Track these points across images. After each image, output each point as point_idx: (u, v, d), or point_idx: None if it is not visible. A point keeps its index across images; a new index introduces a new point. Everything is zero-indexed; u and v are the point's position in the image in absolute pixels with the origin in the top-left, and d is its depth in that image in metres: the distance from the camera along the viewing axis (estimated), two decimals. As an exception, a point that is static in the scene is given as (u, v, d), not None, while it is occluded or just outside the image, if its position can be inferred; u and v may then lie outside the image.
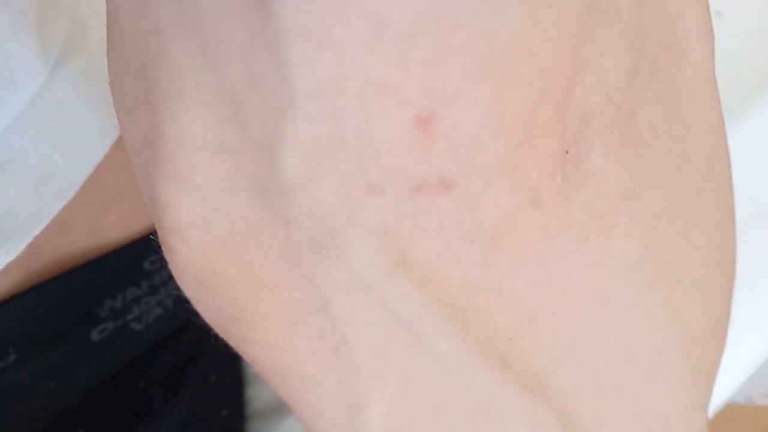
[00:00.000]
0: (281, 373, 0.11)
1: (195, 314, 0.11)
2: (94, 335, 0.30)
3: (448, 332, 0.10)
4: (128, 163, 0.10)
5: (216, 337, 0.11)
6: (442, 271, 0.10)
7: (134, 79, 0.09)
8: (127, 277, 0.28)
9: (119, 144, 0.21)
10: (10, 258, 0.19)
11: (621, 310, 0.11)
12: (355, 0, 0.08)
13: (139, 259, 0.27)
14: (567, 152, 0.10)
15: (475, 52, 0.08)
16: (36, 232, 0.21)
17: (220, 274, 0.10)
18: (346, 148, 0.09)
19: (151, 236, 0.25)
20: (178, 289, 0.11)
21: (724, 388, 0.27)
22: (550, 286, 0.10)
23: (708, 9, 0.10)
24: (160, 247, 0.11)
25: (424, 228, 0.09)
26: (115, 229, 0.25)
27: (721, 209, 0.12)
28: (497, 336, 0.10)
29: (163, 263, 0.26)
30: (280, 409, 0.31)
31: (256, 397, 0.31)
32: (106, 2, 0.09)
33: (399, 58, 0.08)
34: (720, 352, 0.12)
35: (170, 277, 0.26)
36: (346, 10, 0.08)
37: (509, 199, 0.09)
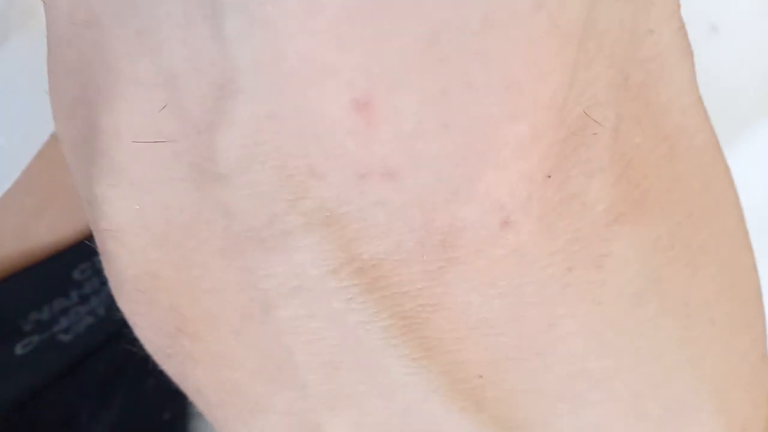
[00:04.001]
0: (226, 400, 0.10)
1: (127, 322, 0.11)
2: (18, 349, 0.29)
3: (403, 353, 0.09)
4: (61, 163, 0.10)
5: None
6: (394, 276, 0.09)
7: (71, 76, 0.09)
8: (55, 287, 0.27)
9: (50, 144, 0.20)
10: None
11: (625, 355, 0.10)
12: None
13: (69, 269, 0.26)
14: (549, 177, 0.09)
15: (419, 41, 0.08)
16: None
17: (161, 278, 0.10)
18: (286, 128, 0.08)
19: (85, 241, 0.24)
20: (111, 295, 0.11)
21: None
22: (532, 321, 0.09)
23: (682, 27, 0.10)
24: (91, 253, 0.10)
25: (371, 222, 0.09)
26: (45, 234, 0.24)
27: (731, 236, 0.11)
28: (466, 370, 0.09)
29: (94, 271, 0.25)
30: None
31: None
32: (44, 2, 0.09)
33: (336, 39, 0.08)
34: (762, 404, 0.11)
35: (102, 285, 0.25)
36: None
37: (468, 210, 0.09)
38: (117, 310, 0.11)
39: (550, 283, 0.09)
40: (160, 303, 0.10)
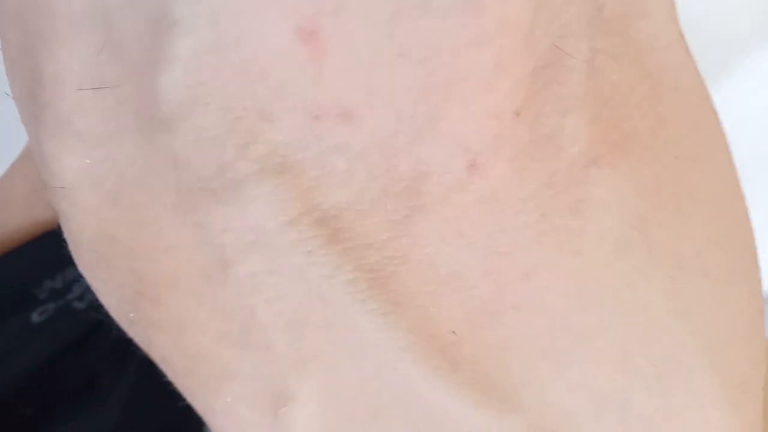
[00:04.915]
0: (192, 367, 0.10)
1: None
2: (35, 317, 0.30)
3: (370, 309, 0.09)
4: None
5: None
6: (357, 226, 0.08)
7: (13, 23, 0.09)
8: (68, 255, 0.28)
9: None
10: None
11: (609, 309, 0.09)
12: None
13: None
14: (518, 115, 0.08)
15: None
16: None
17: (117, 240, 0.09)
18: (228, 64, 0.08)
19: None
20: None
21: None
22: (506, 273, 0.09)
23: None
24: None
25: (329, 169, 0.08)
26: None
27: (721, 182, 0.10)
28: (438, 327, 0.09)
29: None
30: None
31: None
32: None
33: None
34: (760, 362, 0.10)
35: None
36: None
37: (432, 153, 0.08)
38: None
39: (523, 231, 0.09)
40: (118, 266, 0.09)
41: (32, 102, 0.09)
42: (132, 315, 0.10)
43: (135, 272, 0.09)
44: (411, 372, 0.09)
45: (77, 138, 0.09)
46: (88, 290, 0.29)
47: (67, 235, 0.10)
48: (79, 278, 0.29)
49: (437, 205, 0.08)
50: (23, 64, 0.09)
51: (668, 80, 0.09)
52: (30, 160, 0.27)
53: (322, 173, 0.08)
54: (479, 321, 0.09)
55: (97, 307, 0.29)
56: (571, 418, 0.09)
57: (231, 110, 0.08)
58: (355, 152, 0.08)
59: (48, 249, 0.26)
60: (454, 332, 0.09)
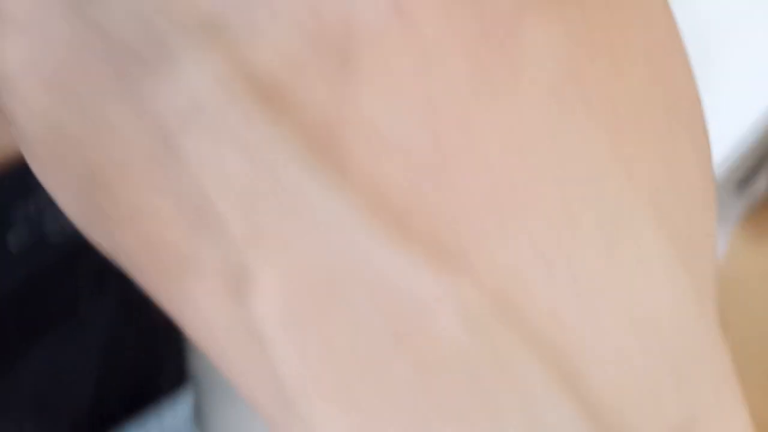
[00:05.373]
0: (151, 259, 0.09)
1: None
2: (10, 239, 0.30)
3: (317, 179, 0.08)
4: None
5: None
6: (292, 88, 0.08)
7: None
8: (37, 182, 0.27)
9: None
10: None
11: (549, 160, 0.09)
12: None
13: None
14: None
15: None
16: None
17: (63, 129, 0.09)
18: None
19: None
20: None
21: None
22: (444, 128, 0.09)
23: None
24: None
25: (257, 27, 0.08)
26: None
27: (659, 38, 0.10)
28: (387, 197, 0.09)
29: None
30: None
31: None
32: None
33: None
34: (709, 227, 0.10)
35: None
36: None
37: (354, 1, 0.08)
38: None
39: (458, 83, 0.09)
40: (68, 158, 0.09)
41: None
42: (88, 212, 0.10)
43: (85, 162, 0.09)
44: (366, 245, 0.09)
45: (14, 24, 0.09)
46: (61, 216, 0.28)
47: (17, 134, 0.09)
48: (53, 203, 0.28)
49: (370, 58, 0.08)
50: None
51: None
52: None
53: (249, 31, 0.08)
54: (424, 184, 0.09)
55: (73, 234, 0.29)
56: (521, 276, 0.09)
57: None
58: (280, 5, 0.08)
59: (17, 175, 0.26)
60: (402, 195, 0.09)
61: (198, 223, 0.09)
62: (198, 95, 0.08)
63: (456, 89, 0.09)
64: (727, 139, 0.31)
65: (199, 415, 0.36)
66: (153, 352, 0.31)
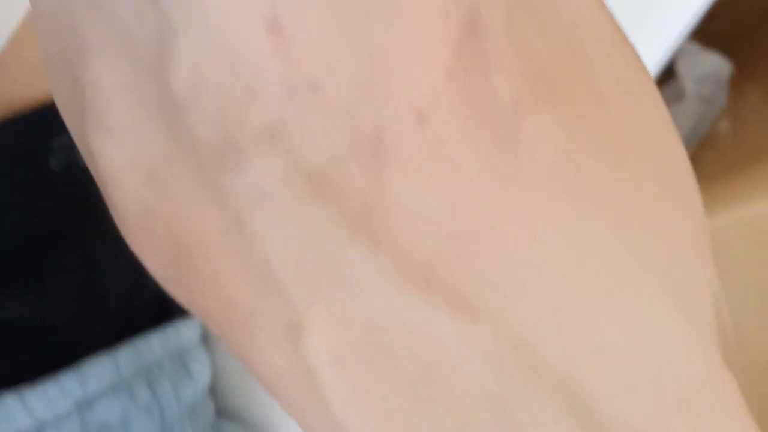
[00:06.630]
0: (225, 316, 0.12)
1: None
2: (53, 163, 0.32)
3: (358, 249, 0.11)
4: None
5: None
6: (337, 178, 0.10)
7: (54, 42, 0.11)
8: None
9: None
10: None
11: (557, 236, 0.11)
12: None
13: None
14: (450, 74, 0.10)
15: None
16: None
17: (156, 212, 0.11)
18: (218, 57, 0.10)
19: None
20: None
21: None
22: (461, 206, 0.10)
23: None
24: None
25: (308, 132, 0.10)
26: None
27: (655, 127, 0.12)
28: (414, 258, 0.11)
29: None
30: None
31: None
32: None
33: None
34: (712, 283, 0.12)
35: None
36: None
37: (386, 108, 0.10)
38: None
39: (469, 168, 0.10)
40: (157, 234, 0.11)
41: (73, 101, 0.11)
42: (172, 274, 0.12)
43: (171, 237, 0.11)
44: (397, 298, 0.11)
45: (114, 133, 0.11)
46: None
47: (114, 212, 0.12)
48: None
49: (398, 153, 0.10)
50: (62, 70, 0.11)
51: (583, 29, 0.11)
52: (26, 43, 0.28)
53: (303, 136, 0.10)
54: (444, 249, 0.10)
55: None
56: (538, 329, 0.11)
57: (226, 93, 0.10)
58: (326, 116, 0.10)
59: (55, 112, 0.28)
60: (427, 261, 0.10)
61: (263, 289, 0.11)
62: (264, 185, 0.10)
63: (470, 178, 0.10)
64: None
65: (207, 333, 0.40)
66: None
